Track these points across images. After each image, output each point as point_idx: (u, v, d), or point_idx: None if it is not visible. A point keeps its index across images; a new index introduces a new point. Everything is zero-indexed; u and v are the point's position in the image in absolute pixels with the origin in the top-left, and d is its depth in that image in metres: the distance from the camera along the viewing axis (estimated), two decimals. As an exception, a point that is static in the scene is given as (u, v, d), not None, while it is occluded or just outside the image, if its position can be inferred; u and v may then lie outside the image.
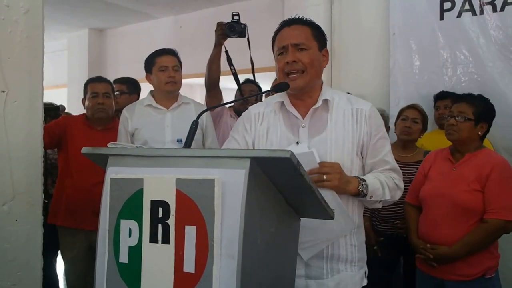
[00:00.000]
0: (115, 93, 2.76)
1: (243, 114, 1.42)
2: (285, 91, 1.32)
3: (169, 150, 1.08)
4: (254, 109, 1.39)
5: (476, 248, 1.69)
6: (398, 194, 1.34)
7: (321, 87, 1.33)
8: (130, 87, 2.78)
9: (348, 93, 1.45)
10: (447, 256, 1.71)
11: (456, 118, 1.77)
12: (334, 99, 1.31)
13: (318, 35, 1.31)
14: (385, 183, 1.27)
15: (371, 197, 1.25)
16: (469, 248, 1.69)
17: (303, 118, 1.29)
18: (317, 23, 1.34)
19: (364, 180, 1.24)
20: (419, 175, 1.95)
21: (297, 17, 1.32)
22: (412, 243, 1.87)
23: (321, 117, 1.29)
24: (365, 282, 1.33)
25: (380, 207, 1.35)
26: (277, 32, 1.32)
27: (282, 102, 1.32)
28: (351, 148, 1.27)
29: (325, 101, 1.30)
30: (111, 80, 2.51)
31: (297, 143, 1.26)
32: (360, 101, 1.34)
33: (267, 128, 1.32)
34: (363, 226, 1.37)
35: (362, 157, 1.31)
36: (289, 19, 1.33)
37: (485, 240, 1.70)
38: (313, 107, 1.29)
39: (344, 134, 1.27)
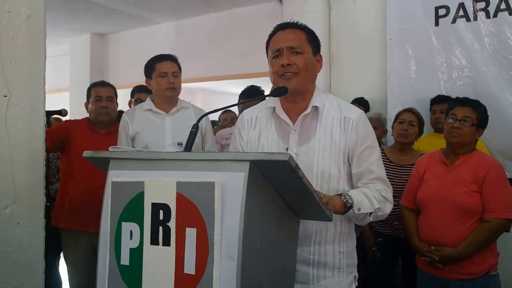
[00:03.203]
0: (136, 101, 2.79)
1: (238, 120, 1.41)
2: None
3: (169, 153, 1.09)
4: (247, 114, 1.38)
5: (481, 247, 1.73)
6: (388, 207, 1.26)
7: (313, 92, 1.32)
8: None
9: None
10: (453, 257, 1.73)
11: (461, 122, 1.80)
12: (324, 106, 1.28)
13: (312, 40, 1.29)
14: (370, 194, 1.22)
15: (359, 209, 1.18)
16: (474, 247, 1.72)
17: (294, 124, 1.28)
18: (311, 29, 1.33)
19: (347, 194, 1.19)
20: (414, 178, 1.96)
21: (291, 21, 1.31)
22: (415, 246, 1.87)
23: (311, 124, 1.27)
24: (354, 287, 1.31)
25: (372, 220, 1.25)
26: (271, 36, 1.30)
27: (274, 108, 1.32)
28: (338, 157, 1.24)
29: (315, 108, 1.28)
30: (114, 83, 2.53)
31: (287, 149, 1.25)
32: (350, 108, 1.30)
33: (259, 134, 1.32)
34: (353, 233, 1.33)
35: (350, 165, 1.27)
36: (283, 23, 1.31)
37: (488, 239, 1.74)
38: (303, 114, 1.28)
39: (331, 143, 1.24)
